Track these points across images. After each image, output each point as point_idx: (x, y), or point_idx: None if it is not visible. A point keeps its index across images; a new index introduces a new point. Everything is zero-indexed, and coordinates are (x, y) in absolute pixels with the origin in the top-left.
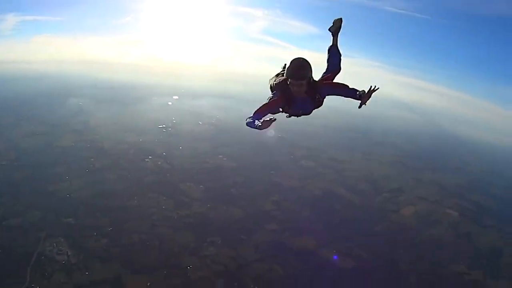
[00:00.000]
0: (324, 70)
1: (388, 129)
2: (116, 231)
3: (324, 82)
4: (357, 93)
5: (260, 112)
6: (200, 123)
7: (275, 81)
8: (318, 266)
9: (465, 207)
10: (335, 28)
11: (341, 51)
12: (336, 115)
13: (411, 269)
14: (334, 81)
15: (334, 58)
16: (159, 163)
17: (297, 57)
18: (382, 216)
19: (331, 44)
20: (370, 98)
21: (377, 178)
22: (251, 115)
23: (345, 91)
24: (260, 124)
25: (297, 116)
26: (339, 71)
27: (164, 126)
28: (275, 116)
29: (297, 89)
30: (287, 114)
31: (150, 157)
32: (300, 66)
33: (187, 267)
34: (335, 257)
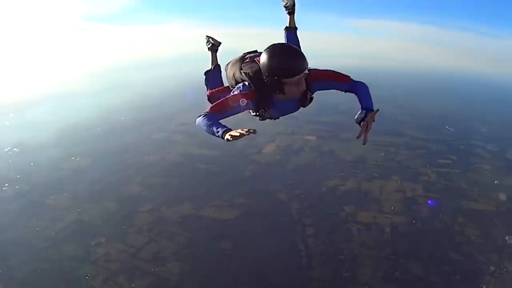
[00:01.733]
0: None
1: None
2: (3, 270)
3: (320, 72)
4: (361, 111)
5: (221, 108)
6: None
7: (246, 72)
8: (202, 227)
9: (321, 129)
10: (292, 9)
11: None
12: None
13: (292, 196)
14: (330, 70)
15: (294, 41)
16: (17, 187)
17: (277, 43)
18: (247, 161)
19: (287, 26)
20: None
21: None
22: (205, 111)
23: (345, 86)
24: (228, 138)
25: (273, 119)
26: None
27: (8, 148)
28: (249, 128)
29: (297, 88)
30: (260, 118)
31: (6, 185)
32: (300, 53)
33: (85, 277)
34: None
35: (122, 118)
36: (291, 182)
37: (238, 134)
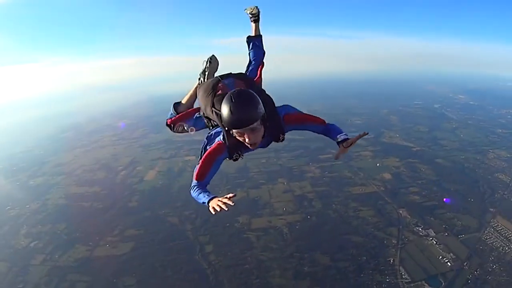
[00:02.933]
0: (246, 66)
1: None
2: None
3: (294, 116)
4: (337, 138)
5: (203, 173)
6: None
7: (218, 114)
8: (100, 267)
9: (199, 148)
10: (257, 17)
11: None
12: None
13: (183, 218)
14: (307, 114)
15: (257, 51)
16: None
17: (234, 91)
18: (130, 191)
19: (250, 35)
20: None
21: (107, 162)
22: (194, 180)
23: (320, 129)
24: (213, 207)
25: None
26: (263, 65)
27: None
28: (231, 193)
29: (250, 140)
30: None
31: None
32: (242, 106)
33: None
34: None
35: None
36: (179, 204)
37: (219, 209)
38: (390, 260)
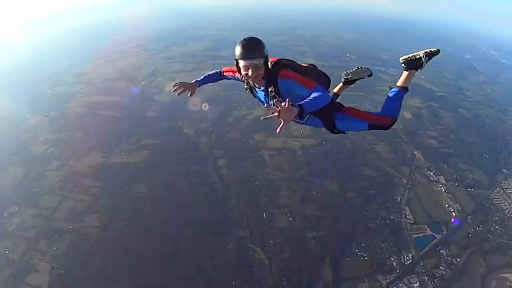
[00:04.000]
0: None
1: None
2: None
3: (287, 73)
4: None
5: (224, 73)
6: None
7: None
8: (113, 174)
9: (219, 64)
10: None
11: None
12: None
13: (199, 131)
14: (299, 75)
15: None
16: None
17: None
18: (149, 102)
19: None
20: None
21: (128, 72)
22: (221, 69)
23: (308, 92)
24: (178, 86)
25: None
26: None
27: None
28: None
29: (248, 71)
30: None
31: None
32: (247, 45)
33: (5, 252)
34: None
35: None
36: (197, 117)
37: (178, 88)
38: (397, 199)
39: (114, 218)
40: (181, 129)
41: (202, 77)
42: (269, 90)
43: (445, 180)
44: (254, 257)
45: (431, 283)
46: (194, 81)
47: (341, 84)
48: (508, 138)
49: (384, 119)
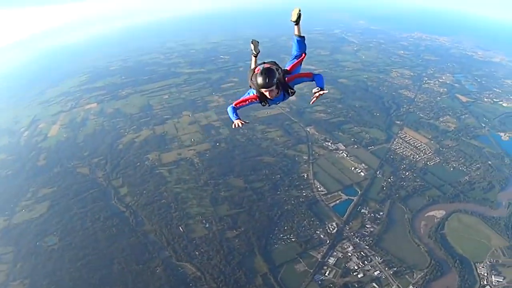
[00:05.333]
0: (292, 56)
1: None
2: None
3: (291, 76)
4: (313, 90)
5: (239, 104)
6: None
7: (251, 80)
8: (21, 233)
9: (99, 95)
10: (296, 18)
11: (304, 37)
12: None
13: (93, 166)
14: (300, 72)
15: (299, 45)
16: None
17: (262, 66)
18: (36, 151)
19: (295, 33)
20: (318, 99)
21: (8, 126)
22: (233, 103)
23: (309, 79)
24: (234, 125)
25: (270, 105)
26: (305, 55)
27: None
28: (246, 121)
29: (270, 94)
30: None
31: None
32: (267, 76)
33: None
34: None
35: None
36: (87, 153)
37: (237, 126)
38: (304, 175)
39: (36, 279)
40: (75, 170)
41: (234, 114)
42: (289, 91)
43: (344, 146)
44: (185, 273)
45: (363, 242)
46: (237, 118)
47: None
48: (393, 93)
49: (302, 57)
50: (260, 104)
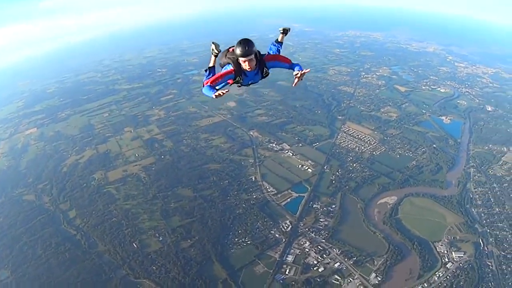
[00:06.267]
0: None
1: None
2: None
3: (270, 56)
4: (294, 73)
5: (215, 81)
6: None
7: (226, 56)
8: None
9: (37, 119)
10: (285, 32)
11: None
12: None
13: (39, 192)
14: (279, 54)
15: (277, 48)
16: None
17: (242, 38)
18: None
19: (278, 39)
20: (302, 80)
21: None
22: (207, 83)
23: (287, 65)
24: (215, 95)
25: (247, 86)
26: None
27: None
28: (228, 88)
29: (249, 64)
30: (238, 85)
31: None
32: (246, 44)
33: None
34: None
35: None
36: (31, 179)
37: (219, 93)
38: (252, 178)
39: None
40: (20, 198)
41: (212, 89)
42: (264, 70)
43: (288, 145)
44: None
45: (319, 236)
46: (216, 91)
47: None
48: (332, 90)
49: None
50: (234, 81)
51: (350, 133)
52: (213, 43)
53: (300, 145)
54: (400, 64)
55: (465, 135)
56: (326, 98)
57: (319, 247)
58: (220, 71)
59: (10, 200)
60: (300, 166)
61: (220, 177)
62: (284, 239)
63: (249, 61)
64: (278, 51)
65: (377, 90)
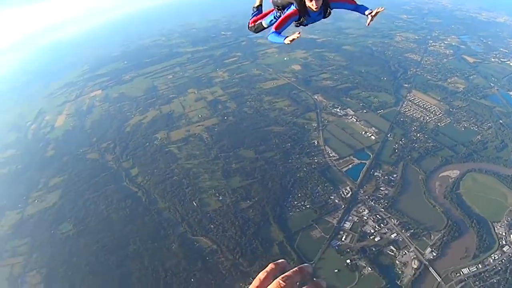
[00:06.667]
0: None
1: None
2: None
3: None
4: (365, 12)
5: (280, 26)
6: None
7: None
8: (36, 223)
9: (102, 81)
10: None
11: None
12: None
13: (102, 151)
14: None
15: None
16: None
17: None
18: (44, 143)
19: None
20: (375, 18)
21: (15, 121)
22: (273, 29)
23: (352, 6)
24: (290, 40)
25: (305, 26)
26: None
27: None
28: (298, 31)
29: (316, 3)
30: (297, 25)
31: None
32: None
33: None
34: None
35: None
36: (95, 139)
37: (292, 39)
38: (314, 142)
39: (52, 267)
40: (84, 157)
41: (280, 36)
42: (328, 10)
43: (353, 111)
44: (201, 247)
45: (378, 205)
46: (286, 37)
47: None
48: (399, 57)
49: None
50: (298, 21)
51: (415, 102)
52: None
53: (365, 111)
54: (469, 33)
55: None
56: (392, 64)
57: (378, 216)
58: (284, 13)
59: (74, 158)
60: (363, 132)
61: (283, 140)
62: (343, 205)
63: (317, 0)
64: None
65: (445, 60)
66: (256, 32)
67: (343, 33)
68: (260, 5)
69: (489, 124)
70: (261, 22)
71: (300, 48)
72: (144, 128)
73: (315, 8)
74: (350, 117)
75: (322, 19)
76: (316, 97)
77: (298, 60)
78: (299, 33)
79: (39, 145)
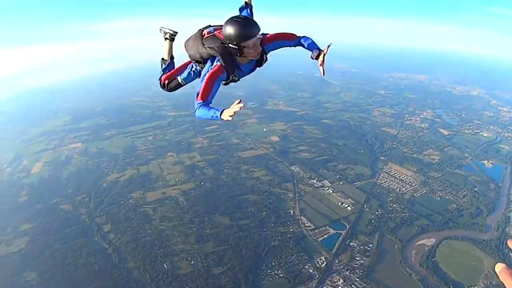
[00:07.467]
0: None
1: None
2: None
3: (268, 36)
4: (313, 55)
5: (206, 95)
6: None
7: (210, 47)
8: None
9: (83, 135)
10: None
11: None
12: None
13: (76, 203)
14: (278, 32)
15: (247, 12)
16: None
17: (233, 16)
18: (18, 187)
19: (246, 1)
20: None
21: None
22: (198, 101)
23: (293, 42)
24: (229, 116)
25: (235, 82)
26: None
27: None
28: (242, 103)
29: (254, 50)
30: (226, 83)
31: None
32: (251, 22)
33: None
34: None
35: None
36: (70, 191)
37: (233, 113)
38: (290, 212)
39: None
40: (58, 207)
41: (213, 109)
42: (264, 59)
43: (329, 182)
44: None
45: (353, 275)
46: (222, 109)
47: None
48: (376, 131)
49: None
50: (227, 80)
51: (391, 173)
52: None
53: (341, 183)
54: (444, 107)
55: (506, 180)
56: (370, 138)
57: (353, 285)
58: (203, 79)
59: (47, 206)
60: (339, 203)
61: (258, 209)
62: (317, 275)
63: (256, 42)
64: (251, 14)
65: (421, 133)
66: (171, 91)
67: (323, 106)
68: (172, 56)
69: (464, 193)
70: (176, 79)
71: (280, 120)
72: (120, 185)
73: (254, 55)
74: (327, 188)
75: (258, 69)
76: (293, 168)
77: (277, 132)
78: (239, 101)
79: (13, 189)
